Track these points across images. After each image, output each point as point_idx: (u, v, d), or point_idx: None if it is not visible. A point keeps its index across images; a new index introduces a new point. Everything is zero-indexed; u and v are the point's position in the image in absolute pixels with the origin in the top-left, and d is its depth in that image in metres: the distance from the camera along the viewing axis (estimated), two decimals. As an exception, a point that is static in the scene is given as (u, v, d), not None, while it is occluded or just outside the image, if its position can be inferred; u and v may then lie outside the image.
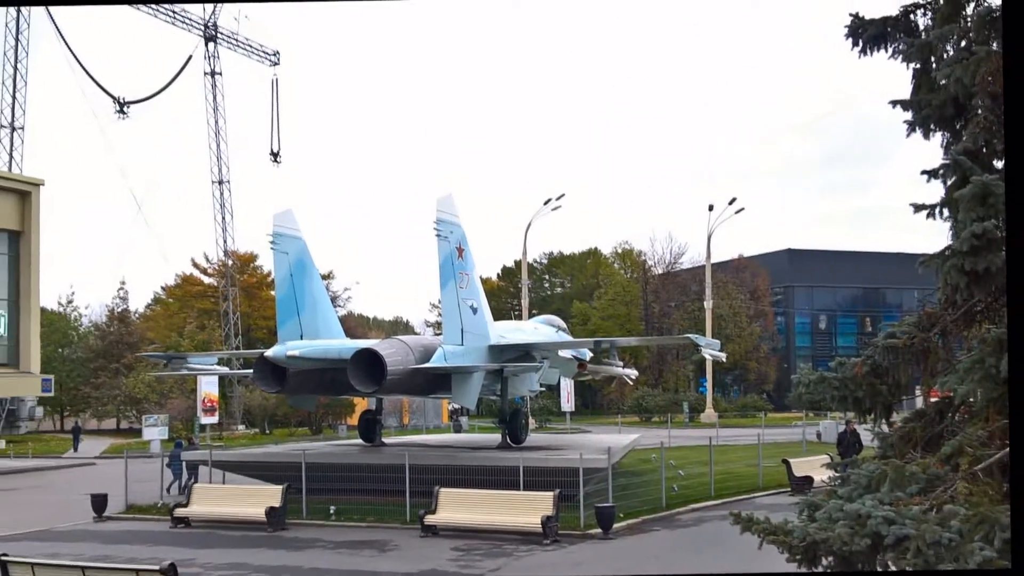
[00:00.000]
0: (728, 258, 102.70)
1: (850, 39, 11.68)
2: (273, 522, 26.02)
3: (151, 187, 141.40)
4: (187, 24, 76.18)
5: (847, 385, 11.01)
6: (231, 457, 34.83)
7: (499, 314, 61.56)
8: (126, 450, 40.76)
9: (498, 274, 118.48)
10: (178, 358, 38.16)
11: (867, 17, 11.57)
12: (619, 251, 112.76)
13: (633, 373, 44.06)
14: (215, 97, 79.97)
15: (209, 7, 77.93)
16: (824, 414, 58.09)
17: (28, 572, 14.79)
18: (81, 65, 71.79)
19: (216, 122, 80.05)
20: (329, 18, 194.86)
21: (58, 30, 69.81)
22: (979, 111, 10.36)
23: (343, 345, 30.63)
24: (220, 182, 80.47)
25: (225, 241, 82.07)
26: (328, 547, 23.60)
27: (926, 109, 10.97)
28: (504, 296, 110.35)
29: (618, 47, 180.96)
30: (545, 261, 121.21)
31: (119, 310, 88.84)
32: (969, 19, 10.75)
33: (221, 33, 78.76)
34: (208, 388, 56.35)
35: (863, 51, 11.65)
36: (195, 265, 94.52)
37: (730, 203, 78.32)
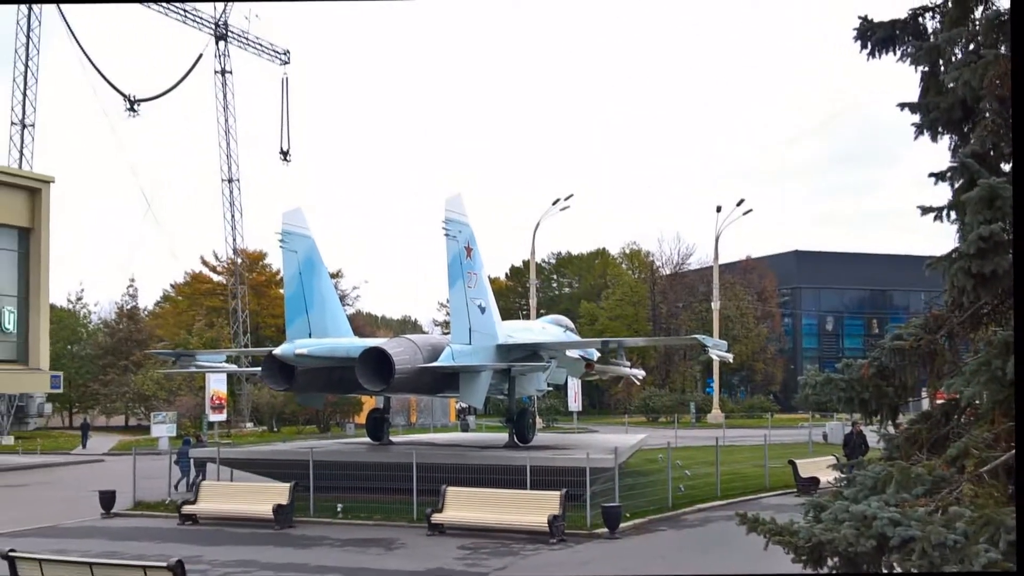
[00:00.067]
0: (736, 259, 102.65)
1: (858, 42, 11.70)
2: (280, 520, 26.08)
3: (161, 185, 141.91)
4: (198, 23, 76.40)
5: (854, 387, 11.04)
6: (239, 455, 34.92)
7: (507, 314, 61.67)
8: (134, 447, 40.95)
9: (506, 274, 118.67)
10: (187, 355, 38.27)
11: (876, 20, 11.60)
12: (627, 251, 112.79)
13: (640, 373, 44.08)
14: (225, 96, 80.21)
15: (220, 6, 78.26)
16: (830, 415, 58.04)
17: (36, 568, 14.81)
18: (92, 63, 72.07)
19: (226, 120, 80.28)
20: (339, 18, 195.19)
21: (69, 28, 70.11)
22: (987, 114, 10.37)
23: (351, 343, 30.70)
24: (230, 180, 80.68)
25: (234, 239, 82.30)
26: (335, 545, 23.66)
27: (934, 112, 10.99)
28: (512, 296, 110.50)
29: (627, 48, 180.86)
30: (553, 261, 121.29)
31: (128, 307, 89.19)
32: (977, 23, 10.76)
33: (231, 32, 78.95)
34: (216, 386, 56.62)
35: (871, 54, 11.67)
36: (204, 263, 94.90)
37: (738, 204, 78.36)
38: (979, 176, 9.68)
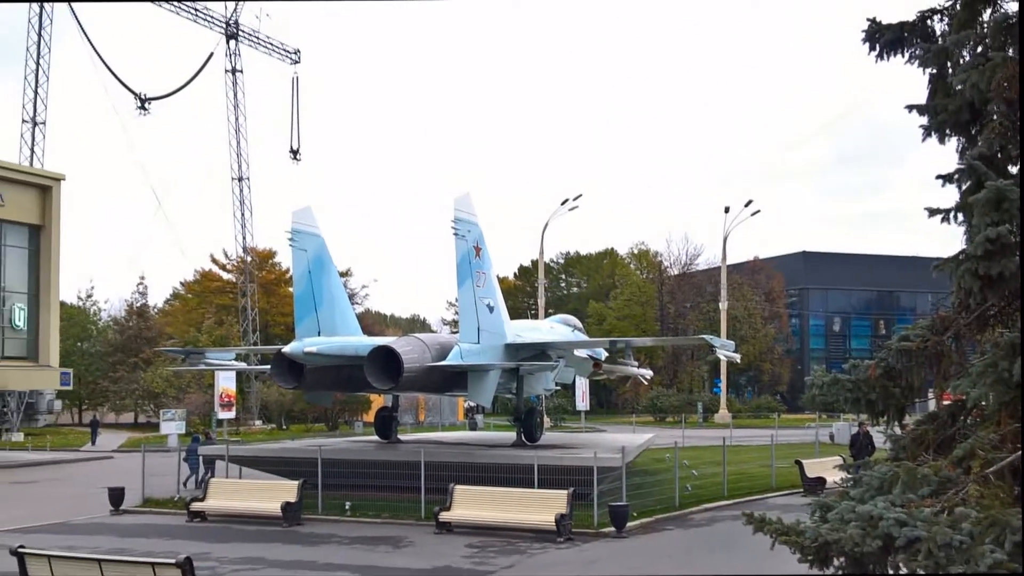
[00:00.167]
0: (743, 260, 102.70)
1: (867, 43, 11.72)
2: (289, 517, 26.16)
3: (171, 183, 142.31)
4: (209, 22, 76.64)
5: (860, 387, 11.06)
6: (248, 452, 35.02)
7: (516, 313, 61.69)
8: (143, 444, 41.14)
9: (515, 273, 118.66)
10: (196, 353, 38.41)
11: (884, 22, 11.61)
12: (635, 252, 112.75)
13: (648, 373, 44.09)
14: (236, 94, 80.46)
15: (231, 5, 78.54)
16: (837, 416, 57.96)
17: (45, 564, 14.90)
18: (103, 61, 72.39)
19: (236, 119, 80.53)
20: (349, 18, 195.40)
21: (80, 26, 70.43)
22: (994, 116, 10.39)
23: (360, 342, 30.79)
24: (240, 179, 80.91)
25: (244, 237, 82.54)
26: (343, 542, 23.73)
27: (942, 114, 11.00)
28: (521, 295, 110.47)
29: (638, 48, 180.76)
30: (562, 261, 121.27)
31: (138, 305, 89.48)
32: (985, 25, 10.77)
33: (242, 31, 79.20)
34: (225, 383, 56.72)
35: (880, 56, 11.69)
36: (214, 261, 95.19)
37: (746, 205, 78.38)
38: (986, 178, 9.70)
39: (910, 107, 11.41)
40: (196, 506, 27.61)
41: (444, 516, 24.67)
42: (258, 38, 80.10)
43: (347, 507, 27.65)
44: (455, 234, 28.92)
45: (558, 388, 41.66)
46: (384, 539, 23.94)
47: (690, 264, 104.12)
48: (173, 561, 13.98)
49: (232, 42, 79.38)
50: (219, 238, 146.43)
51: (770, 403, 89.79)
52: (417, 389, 32.33)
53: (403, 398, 45.97)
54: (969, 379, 9.92)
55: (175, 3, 72.84)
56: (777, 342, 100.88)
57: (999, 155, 10.43)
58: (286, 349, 30.50)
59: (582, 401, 62.83)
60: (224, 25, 78.22)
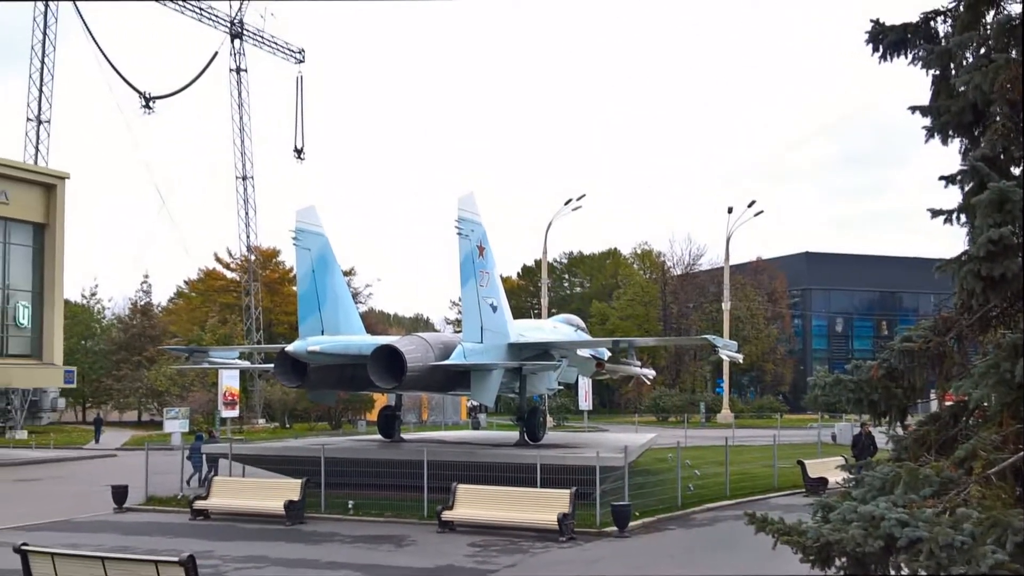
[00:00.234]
0: (746, 260, 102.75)
1: (870, 45, 11.73)
2: (292, 516, 26.19)
3: (175, 182, 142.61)
4: (213, 21, 76.77)
5: (863, 388, 11.08)
6: (251, 451, 35.06)
7: (519, 313, 61.74)
8: (147, 442, 41.29)
9: (518, 273, 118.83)
10: (200, 352, 38.45)
11: (887, 23, 11.62)
12: (638, 252, 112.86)
13: (651, 373, 44.10)
14: (240, 94, 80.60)
15: (235, 4, 78.68)
16: (839, 416, 57.99)
17: (48, 562, 14.91)
18: (108, 60, 72.53)
19: (240, 118, 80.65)
20: (354, 17, 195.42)
21: (85, 25, 70.54)
22: (997, 118, 10.39)
23: (363, 341, 30.83)
24: (244, 178, 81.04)
25: (248, 236, 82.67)
26: (346, 541, 23.76)
27: (945, 115, 11.01)
28: (524, 295, 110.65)
29: (639, 49, 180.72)
30: (565, 261, 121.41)
31: (142, 303, 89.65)
32: (989, 27, 10.78)
33: (247, 30, 79.32)
34: (229, 382, 56.83)
35: (883, 57, 11.70)
36: (218, 260, 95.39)
37: (749, 206, 78.42)
38: (989, 179, 9.71)
39: (913, 108, 11.42)
40: (199, 504, 27.64)
41: (447, 515, 24.70)
42: (262, 37, 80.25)
43: (350, 506, 27.69)
44: (459, 233, 28.93)
45: (561, 388, 41.69)
46: (387, 538, 23.97)
47: (693, 264, 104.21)
48: (176, 559, 13.98)
49: (236, 41, 79.54)
50: (223, 237, 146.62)
51: (772, 403, 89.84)
52: (420, 388, 32.37)
53: (406, 397, 46.03)
54: (971, 380, 9.94)
55: (180, 2, 73.03)
56: (779, 342, 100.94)
57: (1002, 156, 10.44)
58: (290, 348, 30.54)
59: (585, 401, 62.87)
60: (228, 24, 78.37)
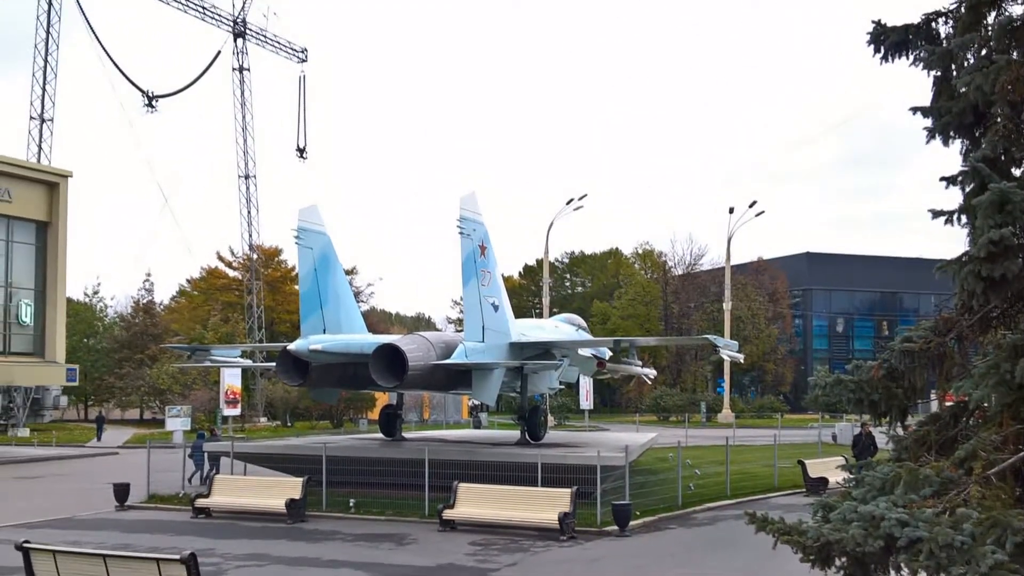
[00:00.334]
0: (747, 260, 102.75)
1: (871, 46, 11.75)
2: (293, 514, 26.23)
3: (177, 180, 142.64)
4: (216, 20, 76.84)
5: (863, 388, 11.11)
6: (253, 449, 35.08)
7: (520, 312, 61.72)
8: (149, 440, 41.29)
9: (520, 272, 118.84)
10: (202, 350, 38.47)
11: (889, 25, 11.64)
12: (640, 252, 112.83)
13: (652, 372, 44.10)
14: (243, 93, 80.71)
15: (238, 3, 78.67)
16: (840, 416, 57.98)
17: (50, 560, 14.94)
18: (111, 58, 72.66)
19: (243, 117, 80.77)
20: (356, 17, 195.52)
21: (88, 24, 70.59)
22: (998, 119, 10.41)
23: (365, 340, 30.83)
24: (246, 177, 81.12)
25: (250, 235, 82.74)
26: (347, 539, 23.78)
27: (946, 116, 11.03)
28: (525, 294, 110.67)
29: (641, 49, 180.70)
30: (566, 260, 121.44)
31: (144, 301, 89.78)
32: (990, 28, 10.80)
33: (250, 29, 79.39)
34: (231, 380, 56.91)
35: (884, 58, 11.72)
36: (220, 258, 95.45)
37: (750, 206, 78.41)
38: (990, 180, 9.74)
39: (914, 109, 11.44)
40: (201, 502, 27.66)
41: (448, 514, 24.73)
42: (265, 36, 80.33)
43: (351, 504, 27.72)
44: (460, 233, 28.94)
45: (562, 387, 41.69)
46: (388, 536, 24.01)
47: (694, 264, 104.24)
48: (178, 557, 14.01)
49: (239, 40, 79.64)
50: (225, 236, 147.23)
51: (773, 403, 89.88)
52: (421, 387, 32.38)
53: (407, 396, 46.05)
54: (971, 380, 9.97)
55: (182, 1, 73.06)
56: (780, 342, 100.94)
57: (1003, 157, 10.47)
58: (291, 346, 30.56)
59: (586, 400, 62.88)
60: (231, 23, 78.43)
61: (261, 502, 27.08)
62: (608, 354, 35.00)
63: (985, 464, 9.65)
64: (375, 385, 29.86)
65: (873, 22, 11.77)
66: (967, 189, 10.40)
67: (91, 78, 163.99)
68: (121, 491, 29.69)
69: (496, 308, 29.67)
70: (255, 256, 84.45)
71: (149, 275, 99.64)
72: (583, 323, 39.53)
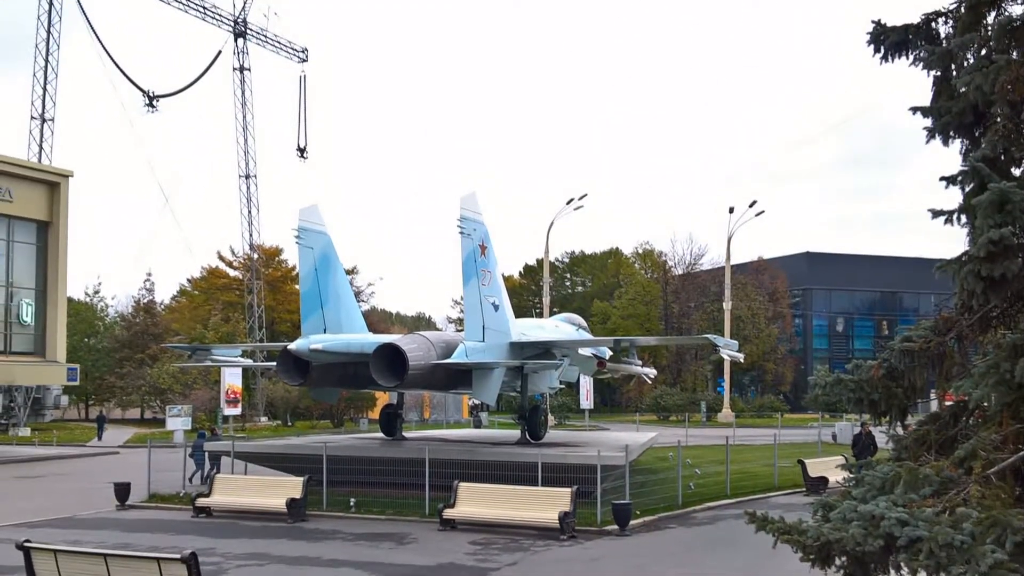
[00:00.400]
0: (747, 260, 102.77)
1: (871, 46, 11.75)
2: (294, 513, 26.24)
3: (178, 180, 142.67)
4: (217, 20, 76.82)
5: (863, 387, 11.12)
6: (253, 448, 35.10)
7: (520, 312, 61.74)
8: (149, 440, 41.29)
9: (520, 272, 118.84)
10: (202, 350, 38.49)
11: (889, 24, 11.64)
12: (640, 251, 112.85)
13: (652, 372, 44.12)
14: (243, 92, 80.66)
15: (239, 3, 78.66)
16: (840, 416, 58.03)
17: (51, 559, 14.95)
18: (111, 58, 72.63)
19: (244, 117, 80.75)
20: (356, 17, 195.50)
21: (89, 23, 70.54)
22: (998, 119, 10.42)
23: (366, 339, 30.85)
24: (247, 176, 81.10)
25: (251, 235, 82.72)
26: (347, 539, 23.80)
27: (946, 116, 11.03)
28: (526, 294, 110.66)
29: (641, 49, 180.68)
30: (567, 260, 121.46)
31: (145, 301, 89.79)
32: (990, 28, 10.80)
33: (250, 29, 79.36)
34: (232, 380, 56.95)
35: (884, 58, 11.72)
36: (221, 258, 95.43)
37: (750, 206, 78.44)
38: (990, 180, 9.74)
39: (914, 109, 11.45)
40: (201, 502, 27.68)
41: (448, 513, 24.74)
42: (266, 36, 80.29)
43: (351, 504, 27.73)
44: (461, 232, 28.95)
45: (562, 386, 41.69)
46: (388, 536, 24.02)
47: (694, 264, 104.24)
48: (178, 556, 14.03)
49: (240, 40, 79.60)
50: (226, 235, 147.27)
51: (773, 403, 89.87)
52: (422, 387, 32.39)
53: (408, 395, 46.09)
54: (971, 380, 9.98)
55: (183, 1, 73.05)
56: (780, 342, 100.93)
57: (1002, 157, 10.47)
58: (292, 346, 30.57)
59: (586, 399, 62.90)
60: (232, 23, 78.40)
61: (262, 501, 27.10)
62: (608, 354, 35.02)
63: (985, 463, 9.66)
64: (375, 384, 29.88)
65: (873, 22, 11.77)
66: (967, 189, 10.40)
67: (92, 78, 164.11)
68: (122, 490, 29.70)
69: (496, 308, 29.69)
70: (256, 256, 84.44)
71: (150, 275, 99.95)
72: (583, 323, 39.54)
